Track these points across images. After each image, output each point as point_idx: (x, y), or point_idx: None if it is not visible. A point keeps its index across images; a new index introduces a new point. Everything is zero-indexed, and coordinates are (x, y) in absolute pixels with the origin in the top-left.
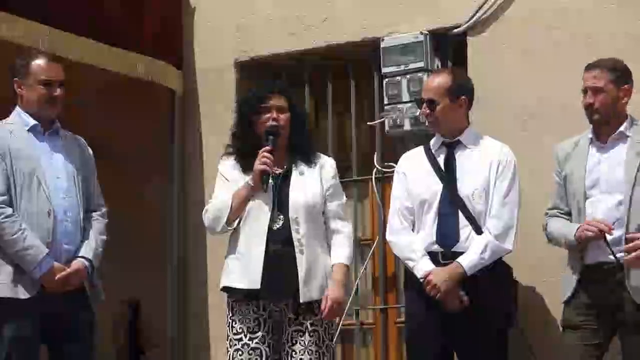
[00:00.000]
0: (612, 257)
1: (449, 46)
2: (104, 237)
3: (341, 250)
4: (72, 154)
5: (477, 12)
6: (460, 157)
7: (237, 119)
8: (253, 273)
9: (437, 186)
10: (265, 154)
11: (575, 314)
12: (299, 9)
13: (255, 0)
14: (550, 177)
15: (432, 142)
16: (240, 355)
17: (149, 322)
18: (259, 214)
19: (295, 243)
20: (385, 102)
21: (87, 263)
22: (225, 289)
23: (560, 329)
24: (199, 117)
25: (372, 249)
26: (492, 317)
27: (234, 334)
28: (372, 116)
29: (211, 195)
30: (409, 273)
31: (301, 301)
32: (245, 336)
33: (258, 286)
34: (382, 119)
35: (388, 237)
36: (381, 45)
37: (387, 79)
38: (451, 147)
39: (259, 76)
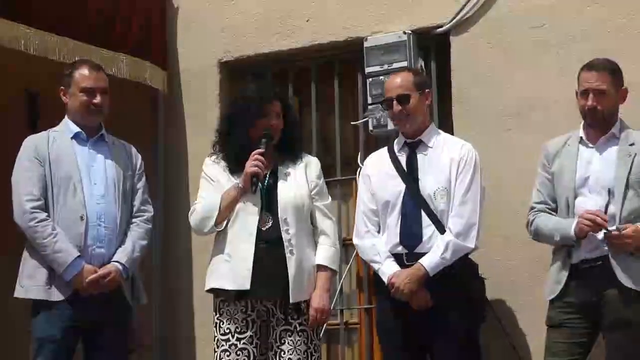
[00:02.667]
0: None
1: (431, 46)
2: (144, 243)
3: (326, 253)
4: (117, 161)
5: (459, 11)
6: (422, 156)
7: (229, 120)
8: (242, 274)
9: (400, 187)
10: (258, 156)
11: (560, 312)
12: (283, 9)
13: (239, 1)
14: (533, 176)
15: (395, 142)
16: (227, 355)
17: (136, 322)
18: (248, 214)
19: (285, 244)
20: (369, 101)
21: (120, 267)
22: (213, 291)
23: (545, 327)
24: (183, 117)
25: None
26: (460, 316)
27: (222, 335)
28: (356, 116)
29: (196, 196)
30: (377, 276)
31: (291, 302)
32: (233, 336)
33: (248, 287)
34: (366, 119)
35: (354, 240)
36: (365, 45)
37: (370, 79)
38: (412, 146)
39: (244, 76)
